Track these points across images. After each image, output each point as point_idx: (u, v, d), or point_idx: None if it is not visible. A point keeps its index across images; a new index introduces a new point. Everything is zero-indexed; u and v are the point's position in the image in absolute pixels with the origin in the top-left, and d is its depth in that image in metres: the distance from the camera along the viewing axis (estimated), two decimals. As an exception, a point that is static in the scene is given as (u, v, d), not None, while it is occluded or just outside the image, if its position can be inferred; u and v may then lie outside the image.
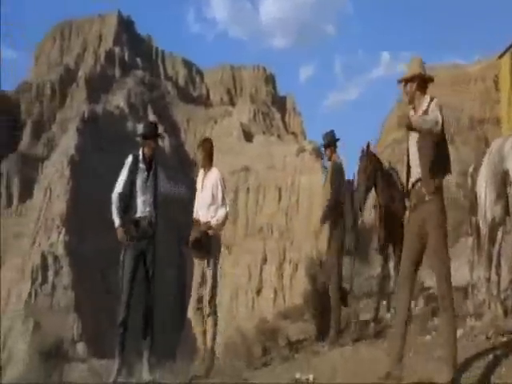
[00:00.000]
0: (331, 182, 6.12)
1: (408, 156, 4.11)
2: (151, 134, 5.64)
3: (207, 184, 5.68)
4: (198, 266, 5.67)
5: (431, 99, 4.04)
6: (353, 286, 8.88)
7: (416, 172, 3.99)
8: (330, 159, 6.33)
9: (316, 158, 78.70)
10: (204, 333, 5.48)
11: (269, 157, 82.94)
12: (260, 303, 67.02)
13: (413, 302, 6.88)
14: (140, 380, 5.23)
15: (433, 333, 5.11)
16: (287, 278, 69.57)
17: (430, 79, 4.15)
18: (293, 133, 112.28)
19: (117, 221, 5.35)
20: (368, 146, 5.55)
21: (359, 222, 8.58)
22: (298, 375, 4.55)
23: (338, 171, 6.21)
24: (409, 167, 4.08)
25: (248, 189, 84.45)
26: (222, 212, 5.66)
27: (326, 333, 6.06)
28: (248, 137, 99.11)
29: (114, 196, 5.41)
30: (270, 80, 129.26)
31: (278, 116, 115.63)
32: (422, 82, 4.09)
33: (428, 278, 8.21)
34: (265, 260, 73.00)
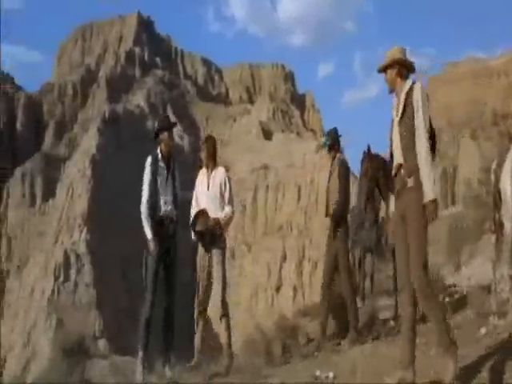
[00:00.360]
0: (340, 180, 6.06)
1: (391, 144, 4.00)
2: (165, 127, 5.61)
3: (215, 182, 5.61)
4: (203, 266, 5.58)
5: (413, 83, 3.88)
6: (373, 283, 8.82)
7: (398, 158, 3.89)
8: (334, 158, 6.25)
9: (335, 156, 78.04)
10: (202, 337, 5.50)
11: (288, 155, 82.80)
12: (279, 301, 67.01)
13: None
14: (161, 378, 5.26)
15: (454, 331, 5.04)
16: (306, 276, 69.43)
17: (411, 67, 4.00)
18: (312, 130, 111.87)
19: (148, 233, 5.28)
20: (369, 149, 5.47)
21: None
22: (317, 373, 4.53)
23: (346, 169, 6.15)
24: (392, 155, 3.99)
25: (267, 187, 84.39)
26: (228, 209, 5.61)
27: (345, 331, 6.03)
28: (267, 135, 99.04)
29: (143, 207, 5.36)
30: (289, 78, 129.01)
31: (297, 113, 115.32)
32: (402, 68, 3.95)
33: (449, 275, 8.11)
34: (284, 258, 72.96)
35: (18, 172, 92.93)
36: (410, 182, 3.78)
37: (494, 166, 5.81)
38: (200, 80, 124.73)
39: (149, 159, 5.48)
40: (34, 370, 54.04)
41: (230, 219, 5.63)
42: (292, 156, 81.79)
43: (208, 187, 5.61)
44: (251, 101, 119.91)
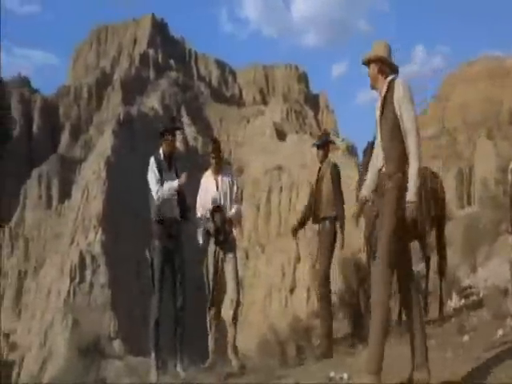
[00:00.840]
0: (333, 181, 5.92)
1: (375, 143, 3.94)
2: (168, 128, 5.63)
3: (225, 182, 5.70)
4: (214, 266, 5.60)
5: (393, 79, 3.76)
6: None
7: (381, 159, 3.80)
8: (323, 160, 6.06)
9: (349, 156, 77.95)
10: (216, 337, 5.52)
11: (302, 155, 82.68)
12: (293, 302, 66.88)
13: (449, 302, 6.73)
14: (175, 378, 5.29)
15: (471, 333, 4.98)
16: (321, 278, 69.20)
17: (394, 66, 3.87)
18: (326, 130, 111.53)
19: (174, 184, 5.33)
20: (372, 143, 5.42)
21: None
22: (332, 374, 4.51)
23: (337, 171, 6.03)
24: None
25: (281, 188, 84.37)
26: (237, 207, 5.71)
27: (360, 332, 5.99)
28: (281, 136, 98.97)
29: (158, 193, 5.36)
30: (303, 78, 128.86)
31: (310, 114, 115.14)
32: (384, 66, 3.83)
33: (465, 277, 8.02)
34: (298, 259, 72.76)
35: (34, 174, 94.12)
36: (388, 184, 3.69)
37: (511, 165, 5.74)
38: (214, 81, 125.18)
39: (151, 159, 5.52)
40: (50, 369, 54.63)
41: (240, 217, 5.72)
42: (306, 157, 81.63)
43: (217, 187, 5.68)
44: (265, 102, 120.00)
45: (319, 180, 6.02)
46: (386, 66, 3.83)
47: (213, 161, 5.75)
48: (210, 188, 5.70)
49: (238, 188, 5.80)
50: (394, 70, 3.88)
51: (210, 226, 5.56)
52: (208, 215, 5.58)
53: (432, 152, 67.45)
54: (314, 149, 6.20)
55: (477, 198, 43.88)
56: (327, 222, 5.95)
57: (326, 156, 6.10)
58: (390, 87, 3.72)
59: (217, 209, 5.58)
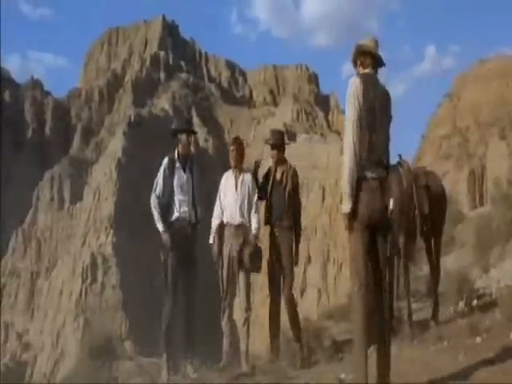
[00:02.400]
0: (296, 194, 5.69)
1: None
2: (181, 128, 5.60)
3: (244, 185, 5.58)
4: (227, 269, 5.54)
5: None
6: (398, 285, 8.67)
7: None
8: (278, 161, 5.74)
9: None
10: (230, 339, 5.51)
11: (312, 156, 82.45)
12: (304, 303, 66.63)
13: (461, 303, 6.65)
14: (186, 378, 5.30)
15: (483, 335, 4.93)
16: (331, 278, 68.99)
17: (377, 56, 3.83)
18: (336, 131, 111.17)
19: (159, 226, 5.37)
20: None
21: None
22: (342, 375, 4.49)
23: (296, 175, 5.79)
24: None
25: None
26: (256, 218, 5.57)
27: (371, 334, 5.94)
28: (291, 136, 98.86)
29: (153, 199, 5.45)
30: (313, 79, 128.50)
31: (321, 115, 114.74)
32: (367, 59, 3.81)
33: (477, 278, 7.94)
34: (309, 260, 72.61)
35: (46, 176, 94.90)
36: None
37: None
38: (224, 83, 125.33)
39: (165, 159, 5.50)
40: (62, 369, 55.00)
41: (260, 227, 5.60)
42: (316, 157, 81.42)
43: (236, 188, 5.57)
44: (275, 103, 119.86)
45: (277, 183, 5.70)
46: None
47: (233, 160, 5.63)
48: (229, 187, 5.59)
49: (255, 194, 5.65)
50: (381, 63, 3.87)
51: (235, 247, 5.49)
52: (232, 231, 5.49)
53: (444, 152, 66.93)
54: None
55: (489, 198, 43.44)
56: None
57: (281, 155, 5.82)
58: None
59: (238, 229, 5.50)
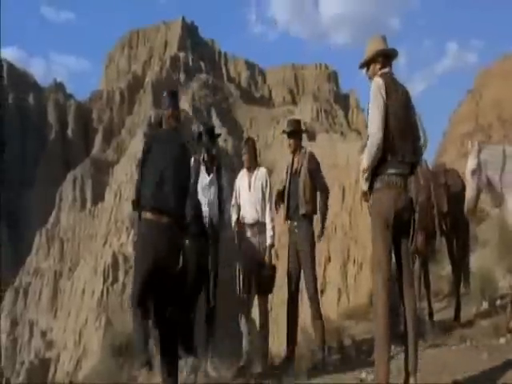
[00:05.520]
0: (313, 171, 5.51)
1: None
2: (207, 133, 5.67)
3: (257, 183, 5.59)
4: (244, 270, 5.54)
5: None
6: (420, 285, 8.57)
7: None
8: (295, 150, 5.60)
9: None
10: (250, 338, 5.54)
11: (332, 155, 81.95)
12: (324, 303, 66.25)
13: (484, 303, 6.54)
14: (206, 377, 5.31)
15: (507, 335, 4.84)
16: (351, 278, 68.44)
17: (394, 53, 3.75)
18: (356, 130, 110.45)
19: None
20: None
21: None
22: (363, 375, 4.46)
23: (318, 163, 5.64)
24: None
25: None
26: (270, 219, 5.52)
27: (395, 330, 5.88)
28: (311, 135, 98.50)
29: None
30: (333, 77, 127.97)
31: (340, 113, 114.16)
32: (385, 59, 3.71)
33: (501, 278, 7.81)
34: (328, 259, 72.26)
35: (69, 177, 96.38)
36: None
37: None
38: (243, 83, 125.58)
39: (191, 161, 5.53)
40: (85, 368, 55.71)
41: (274, 239, 5.57)
42: (336, 156, 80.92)
43: (250, 187, 5.61)
44: (294, 102, 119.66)
45: (295, 173, 5.57)
46: (386, 59, 3.78)
47: (246, 160, 5.68)
48: (243, 187, 5.65)
49: (271, 189, 5.64)
50: (394, 56, 3.82)
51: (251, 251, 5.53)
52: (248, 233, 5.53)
53: (466, 149, 65.92)
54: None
55: (513, 197, 42.55)
56: None
57: (297, 146, 5.66)
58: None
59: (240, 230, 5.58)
